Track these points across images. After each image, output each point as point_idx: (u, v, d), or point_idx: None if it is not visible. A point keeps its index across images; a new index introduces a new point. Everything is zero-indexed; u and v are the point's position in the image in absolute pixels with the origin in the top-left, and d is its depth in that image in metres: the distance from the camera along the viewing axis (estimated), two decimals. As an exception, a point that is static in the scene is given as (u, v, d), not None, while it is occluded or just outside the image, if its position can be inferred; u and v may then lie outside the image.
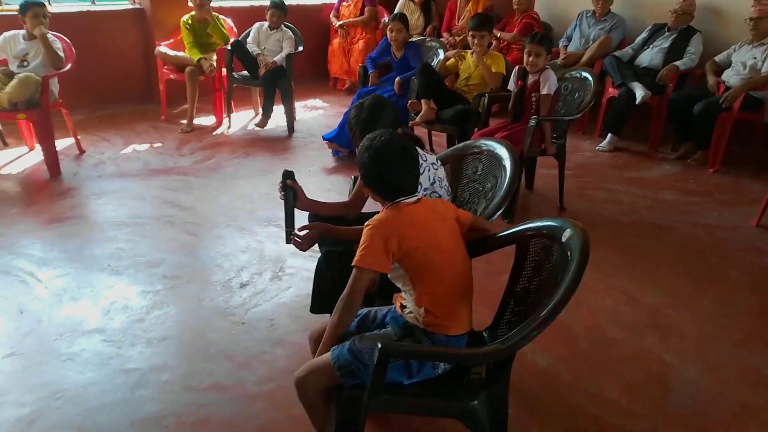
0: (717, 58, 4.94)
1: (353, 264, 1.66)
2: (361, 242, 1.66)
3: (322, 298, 2.32)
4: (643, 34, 5.35)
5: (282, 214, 2.16)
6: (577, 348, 2.59)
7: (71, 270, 3.08)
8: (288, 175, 2.21)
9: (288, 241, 2.14)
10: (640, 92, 4.92)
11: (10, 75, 4.18)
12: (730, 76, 4.72)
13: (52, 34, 4.33)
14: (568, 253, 1.62)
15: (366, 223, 1.69)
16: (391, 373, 1.65)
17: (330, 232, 2.18)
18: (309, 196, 2.28)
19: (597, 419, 2.20)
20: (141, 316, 2.71)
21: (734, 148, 4.78)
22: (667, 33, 5.17)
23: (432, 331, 1.72)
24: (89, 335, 2.58)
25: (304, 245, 2.13)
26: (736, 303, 2.98)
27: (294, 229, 2.14)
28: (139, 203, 3.87)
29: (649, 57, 5.20)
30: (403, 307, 1.80)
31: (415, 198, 1.75)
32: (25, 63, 4.28)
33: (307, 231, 2.12)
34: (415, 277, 1.71)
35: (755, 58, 4.60)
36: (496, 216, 2.12)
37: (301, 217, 2.24)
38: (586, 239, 1.61)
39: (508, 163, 2.25)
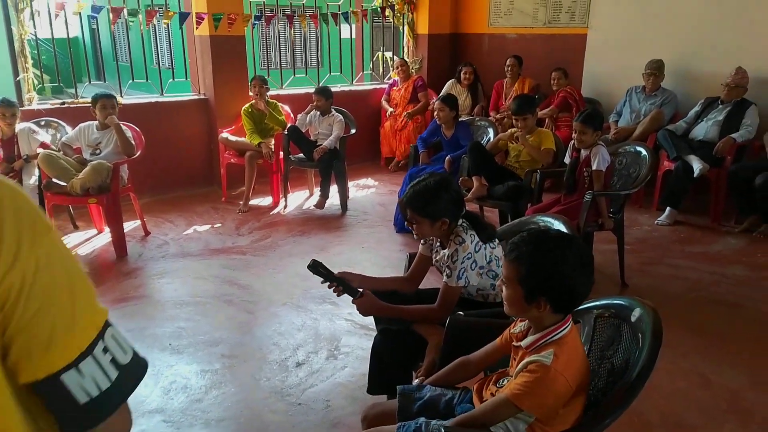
0: (776, 129, 4.85)
1: (508, 397, 1.48)
2: (535, 381, 1.46)
3: (380, 378, 2.29)
4: (696, 108, 5.30)
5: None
6: (651, 435, 2.44)
7: (134, 349, 3.15)
8: (315, 267, 2.08)
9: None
10: (697, 165, 4.82)
11: (83, 162, 4.43)
12: (792, 148, 4.61)
13: (124, 124, 4.61)
14: (639, 334, 1.56)
15: (536, 359, 1.48)
16: None
17: (384, 311, 2.19)
18: (362, 271, 2.31)
19: None
20: (200, 396, 2.72)
21: (803, 220, 4.60)
22: (720, 106, 5.12)
23: None
24: (150, 415, 2.59)
25: (362, 309, 2.16)
26: (823, 385, 2.77)
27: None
28: (200, 282, 3.96)
29: (704, 130, 5.13)
30: None
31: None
32: (98, 151, 4.53)
33: (363, 296, 2.14)
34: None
35: (817, 128, 4.49)
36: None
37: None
38: (657, 319, 1.55)
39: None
